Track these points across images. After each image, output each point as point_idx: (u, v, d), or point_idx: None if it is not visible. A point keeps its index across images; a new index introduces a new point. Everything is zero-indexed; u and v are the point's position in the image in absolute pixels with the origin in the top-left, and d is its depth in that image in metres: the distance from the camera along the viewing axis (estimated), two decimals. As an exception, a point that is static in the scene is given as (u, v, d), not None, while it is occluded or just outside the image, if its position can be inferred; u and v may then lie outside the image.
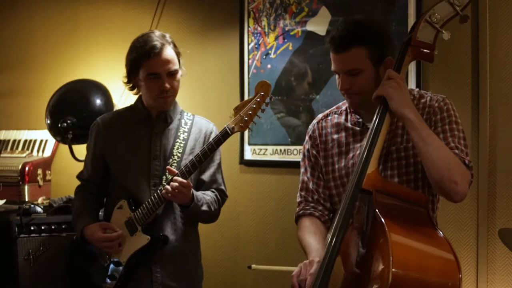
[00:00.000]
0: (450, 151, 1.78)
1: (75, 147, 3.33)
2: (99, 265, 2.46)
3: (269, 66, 3.40)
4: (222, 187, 2.53)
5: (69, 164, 3.42)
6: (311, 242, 1.95)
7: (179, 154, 2.42)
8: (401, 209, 1.69)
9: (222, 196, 2.51)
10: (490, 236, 2.90)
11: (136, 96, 2.56)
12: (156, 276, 2.40)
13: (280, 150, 3.37)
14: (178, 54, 2.42)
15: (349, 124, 2.06)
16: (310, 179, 2.12)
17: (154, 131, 2.47)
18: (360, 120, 2.03)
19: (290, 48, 3.35)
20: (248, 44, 3.45)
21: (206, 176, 2.48)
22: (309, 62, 3.30)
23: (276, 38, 3.38)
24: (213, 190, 2.49)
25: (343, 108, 2.12)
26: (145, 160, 2.44)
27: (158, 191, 2.32)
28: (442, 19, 1.85)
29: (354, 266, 1.71)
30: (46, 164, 3.63)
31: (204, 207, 2.37)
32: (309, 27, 3.31)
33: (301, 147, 2.20)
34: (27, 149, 3.70)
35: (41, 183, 3.53)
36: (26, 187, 3.44)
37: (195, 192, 2.34)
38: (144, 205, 2.35)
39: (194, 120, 2.53)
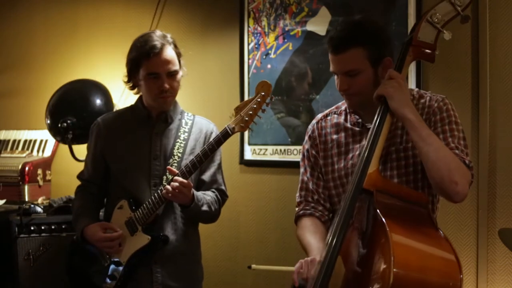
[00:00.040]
0: (450, 151, 1.78)
1: (75, 147, 3.33)
2: (99, 265, 2.45)
3: (269, 66, 3.40)
4: (223, 187, 2.53)
5: (69, 164, 3.42)
6: (311, 241, 1.95)
7: (179, 154, 2.42)
8: (402, 209, 1.69)
9: (222, 196, 2.51)
10: (490, 236, 2.90)
11: (136, 96, 2.56)
12: (157, 276, 2.40)
13: (280, 150, 3.37)
14: (178, 54, 2.42)
15: (348, 125, 2.06)
16: (310, 179, 2.12)
17: (154, 131, 2.47)
18: (360, 120, 2.03)
19: (290, 48, 3.35)
20: (248, 44, 3.45)
21: (206, 176, 2.48)
22: (309, 62, 3.30)
23: (276, 38, 3.38)
24: (213, 190, 2.49)
25: (343, 108, 2.12)
26: (146, 160, 2.44)
27: (159, 191, 2.32)
28: (443, 19, 1.85)
29: (354, 266, 1.71)
30: (46, 164, 3.63)
31: (205, 207, 2.37)
32: (309, 27, 3.31)
33: (301, 147, 2.19)
34: (27, 149, 3.69)
35: (41, 183, 3.53)
36: (26, 187, 3.44)
37: (195, 192, 2.34)
38: (144, 205, 2.35)
39: (195, 120, 2.53)
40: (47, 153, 3.68)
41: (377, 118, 1.82)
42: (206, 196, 2.42)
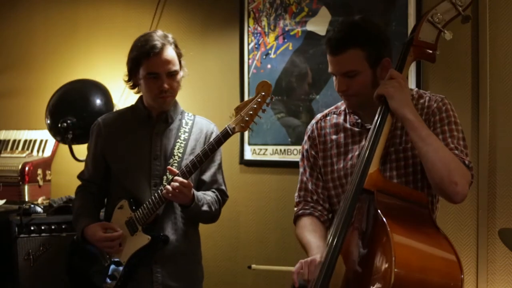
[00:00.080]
0: (450, 152, 1.78)
1: (75, 147, 3.33)
2: (99, 265, 2.45)
3: (269, 66, 3.40)
4: (223, 187, 2.53)
5: (69, 164, 3.42)
6: (311, 240, 1.95)
7: (179, 154, 2.42)
8: (402, 209, 1.69)
9: (222, 196, 2.51)
10: (490, 236, 2.90)
11: (137, 96, 2.56)
12: (157, 276, 2.40)
13: (280, 150, 3.37)
14: (179, 55, 2.42)
15: (348, 125, 2.06)
16: (309, 180, 2.12)
17: (154, 131, 2.47)
18: (359, 121, 2.03)
19: (290, 48, 3.35)
20: (248, 44, 3.45)
21: (206, 176, 2.48)
22: (309, 62, 3.30)
23: (276, 38, 3.38)
24: (213, 190, 2.49)
25: (342, 108, 2.12)
26: (146, 160, 2.44)
27: (159, 191, 2.32)
28: (444, 19, 1.85)
29: (355, 265, 1.71)
30: (46, 164, 3.63)
31: (205, 207, 2.38)
32: (309, 27, 3.31)
33: (301, 147, 2.19)
34: (27, 149, 3.69)
35: (41, 183, 3.53)
36: (26, 187, 3.44)
37: (195, 192, 2.34)
38: (144, 205, 2.35)
39: (195, 120, 2.53)
40: (47, 153, 3.68)
41: (377, 118, 1.82)
42: (207, 196, 2.42)
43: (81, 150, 3.17)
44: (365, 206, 1.74)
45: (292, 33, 3.34)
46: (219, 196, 2.49)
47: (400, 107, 1.79)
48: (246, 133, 3.39)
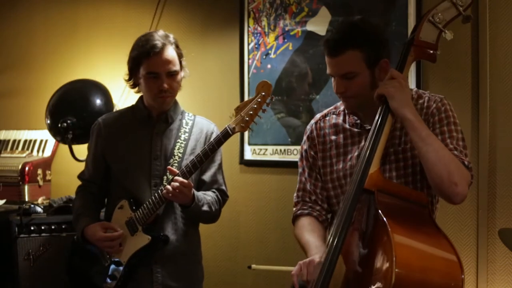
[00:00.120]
0: (450, 152, 1.78)
1: (75, 147, 3.32)
2: (99, 265, 2.45)
3: (269, 66, 3.40)
4: (223, 187, 2.53)
5: (69, 164, 3.42)
6: (310, 239, 1.95)
7: (180, 154, 2.42)
8: (403, 209, 1.69)
9: (223, 197, 2.51)
10: (490, 236, 2.90)
11: (137, 97, 2.56)
12: (157, 276, 2.40)
13: (280, 150, 3.37)
14: (180, 55, 2.42)
15: (347, 126, 2.06)
16: (308, 180, 2.12)
17: (155, 131, 2.47)
18: (358, 121, 2.03)
19: (290, 48, 3.35)
20: (248, 44, 3.45)
21: (207, 176, 2.48)
22: (309, 62, 3.30)
23: (276, 38, 3.38)
24: (214, 190, 2.49)
25: (341, 108, 2.11)
26: (146, 160, 2.44)
27: (159, 191, 2.32)
28: (445, 19, 1.85)
29: (355, 265, 1.71)
30: (46, 164, 3.63)
31: (205, 207, 2.37)
32: (309, 27, 3.31)
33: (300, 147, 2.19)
34: (27, 149, 3.69)
35: (41, 183, 3.53)
36: (26, 187, 3.44)
37: (196, 192, 2.34)
38: (144, 205, 2.35)
39: (195, 120, 2.53)
40: (47, 153, 3.68)
41: (378, 118, 1.81)
42: (207, 196, 2.42)
43: (81, 150, 3.17)
44: (365, 206, 1.74)
45: (292, 33, 3.34)
46: (219, 196, 2.48)
47: (400, 107, 1.78)
48: (246, 133, 3.39)
